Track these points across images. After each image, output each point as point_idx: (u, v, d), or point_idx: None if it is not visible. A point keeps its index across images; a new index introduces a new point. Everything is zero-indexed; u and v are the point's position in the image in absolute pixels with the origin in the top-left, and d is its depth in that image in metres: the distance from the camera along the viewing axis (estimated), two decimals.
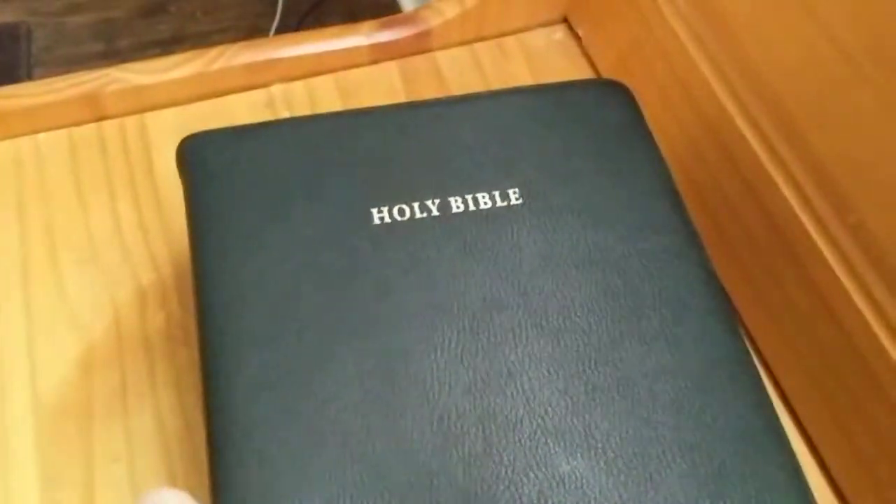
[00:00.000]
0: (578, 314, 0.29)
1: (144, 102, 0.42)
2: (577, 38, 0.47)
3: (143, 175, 0.40)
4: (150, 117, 0.42)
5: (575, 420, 0.26)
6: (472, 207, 0.31)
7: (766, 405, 0.28)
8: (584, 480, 0.25)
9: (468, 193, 0.31)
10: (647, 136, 0.34)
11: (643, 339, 0.28)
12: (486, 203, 0.31)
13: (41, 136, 0.41)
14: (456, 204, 0.31)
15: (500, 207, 0.31)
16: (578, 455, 0.26)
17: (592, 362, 0.28)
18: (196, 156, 0.32)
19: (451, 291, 0.29)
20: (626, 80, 0.44)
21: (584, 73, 0.46)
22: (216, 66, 0.42)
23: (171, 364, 0.35)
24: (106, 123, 0.42)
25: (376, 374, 0.27)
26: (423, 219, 0.30)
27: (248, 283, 0.29)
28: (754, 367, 0.29)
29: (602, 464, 0.26)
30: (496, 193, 0.31)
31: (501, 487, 0.25)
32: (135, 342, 0.36)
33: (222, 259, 0.29)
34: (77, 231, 0.39)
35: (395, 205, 0.30)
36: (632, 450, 0.26)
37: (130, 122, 0.42)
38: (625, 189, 0.32)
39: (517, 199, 0.31)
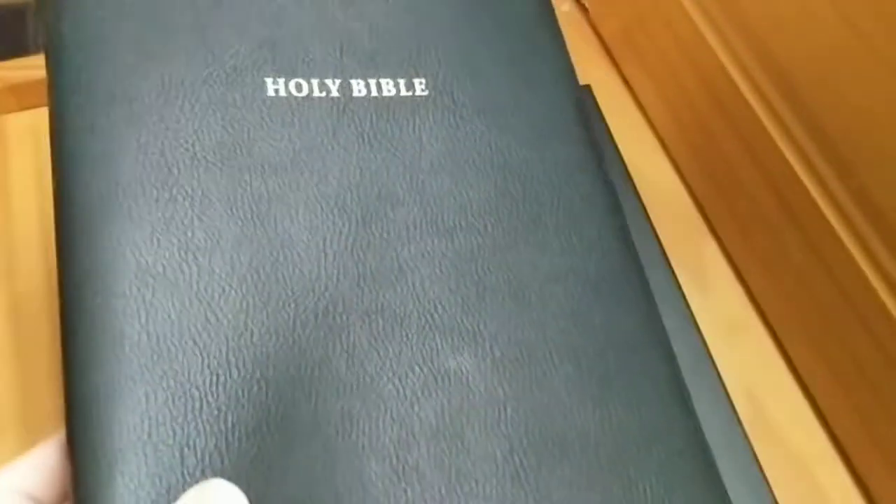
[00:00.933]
0: (475, 215, 0.28)
1: None
2: (584, 10, 0.48)
3: None
4: None
5: (464, 319, 0.26)
6: (374, 93, 0.29)
7: (653, 317, 0.28)
8: (469, 377, 0.25)
9: (372, 77, 0.29)
10: (557, 40, 0.34)
11: (538, 244, 0.28)
12: (389, 90, 0.29)
13: None
14: (358, 87, 0.29)
15: (405, 97, 0.29)
16: (465, 352, 0.26)
17: (486, 263, 0.27)
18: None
19: (344, 180, 0.27)
20: (630, 51, 0.45)
21: (592, 44, 0.47)
22: None
23: None
24: None
25: (258, 261, 0.25)
26: (320, 98, 0.28)
27: (113, 148, 0.25)
28: (645, 279, 0.29)
29: (488, 362, 0.26)
30: (401, 81, 0.29)
31: (385, 380, 0.25)
32: None
33: (87, 115, 0.25)
34: None
35: (293, 78, 0.28)
36: (519, 350, 0.26)
37: None
38: (532, 93, 0.31)
39: (423, 91, 0.30)
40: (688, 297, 0.37)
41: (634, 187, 0.40)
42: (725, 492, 0.26)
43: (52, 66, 0.26)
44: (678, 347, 0.31)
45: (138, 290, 0.23)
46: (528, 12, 0.33)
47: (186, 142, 0.26)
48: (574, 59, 0.45)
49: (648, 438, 0.26)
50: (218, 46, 0.27)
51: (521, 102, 0.31)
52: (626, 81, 0.46)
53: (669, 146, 0.43)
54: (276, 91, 0.28)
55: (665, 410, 0.27)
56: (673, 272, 0.38)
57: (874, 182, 0.31)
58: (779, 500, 0.33)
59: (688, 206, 0.42)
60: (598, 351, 0.27)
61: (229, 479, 0.22)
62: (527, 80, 0.31)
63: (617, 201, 0.31)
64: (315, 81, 0.28)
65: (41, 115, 0.42)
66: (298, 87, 0.28)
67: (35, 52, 0.47)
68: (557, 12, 0.48)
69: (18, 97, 0.42)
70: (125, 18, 0.26)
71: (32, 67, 0.42)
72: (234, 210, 0.25)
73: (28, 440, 0.33)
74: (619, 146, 0.41)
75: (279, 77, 0.28)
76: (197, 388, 0.23)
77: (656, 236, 0.38)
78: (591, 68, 0.46)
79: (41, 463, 0.22)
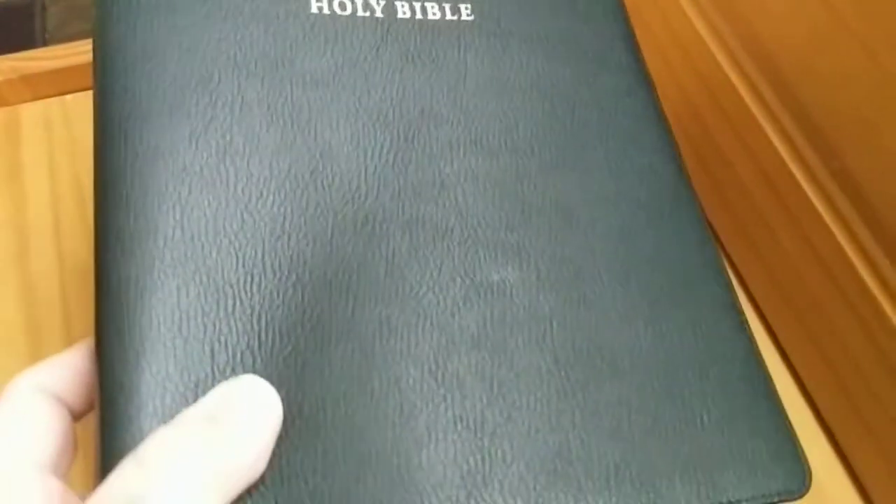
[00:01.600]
0: (520, 137, 0.27)
1: None
2: None
3: None
4: None
5: (508, 234, 0.26)
6: (419, 15, 0.29)
7: (706, 243, 0.28)
8: (513, 290, 0.25)
9: (417, 0, 0.29)
10: None
11: (587, 167, 0.28)
12: (434, 14, 0.29)
13: (68, 97, 0.43)
14: (402, 9, 0.29)
15: (450, 20, 0.29)
16: (509, 266, 0.25)
17: (531, 184, 0.27)
18: None
19: (387, 96, 0.27)
20: None
21: None
22: None
23: None
24: None
25: (297, 169, 0.25)
26: (365, 17, 0.28)
27: (156, 50, 0.25)
28: (697, 205, 0.29)
29: (534, 277, 0.25)
30: (447, 5, 0.29)
31: (425, 289, 0.24)
32: None
33: (129, 21, 0.25)
34: None
35: None
36: (566, 268, 0.25)
37: None
38: (581, 26, 0.31)
39: (468, 15, 0.29)
40: None
41: None
42: (788, 420, 0.26)
43: None
44: None
45: (174, 187, 0.23)
46: None
47: (228, 50, 0.25)
48: None
49: (704, 362, 0.25)
50: None
51: (570, 32, 0.30)
52: None
53: None
54: (320, 8, 0.27)
55: (721, 334, 0.26)
56: None
57: (856, 165, 0.32)
58: None
59: None
60: (649, 272, 0.26)
61: (261, 377, 0.21)
62: (575, 11, 0.31)
63: (668, 128, 0.30)
64: (359, 1, 0.28)
65: (53, 105, 0.43)
66: (342, 6, 0.28)
67: (44, 44, 0.48)
68: None
69: (31, 87, 0.43)
70: None
71: (45, 58, 0.43)
72: (275, 118, 0.25)
73: None
74: None
75: None
76: (231, 285, 0.22)
77: None
78: None
79: (70, 363, 0.22)
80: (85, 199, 0.40)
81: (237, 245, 0.23)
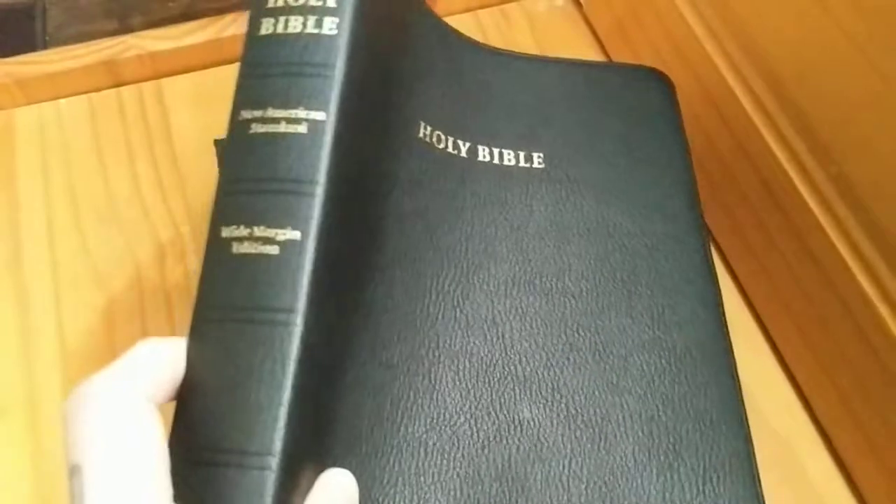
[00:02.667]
0: (572, 279, 0.29)
1: (160, 68, 0.44)
2: (578, 3, 0.49)
3: (160, 138, 0.42)
4: (167, 83, 0.44)
5: (546, 373, 0.27)
6: (496, 161, 0.31)
7: (734, 393, 0.29)
8: (541, 428, 0.27)
9: (496, 147, 0.31)
10: (677, 127, 0.35)
11: (630, 312, 0.29)
12: (510, 160, 0.31)
13: (62, 101, 0.43)
14: (483, 153, 0.31)
15: (522, 167, 0.31)
16: (541, 405, 0.27)
17: (575, 325, 0.29)
18: None
19: (456, 233, 0.29)
20: (623, 45, 0.45)
21: (586, 38, 0.48)
22: (229, 32, 0.44)
23: (189, 315, 0.37)
24: (124, 89, 0.44)
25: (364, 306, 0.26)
26: (451, 154, 0.30)
27: None
28: (731, 356, 0.30)
29: (562, 417, 0.27)
30: (521, 154, 0.32)
31: (462, 420, 0.26)
32: (155, 295, 0.38)
33: None
34: (98, 191, 0.40)
35: (436, 130, 0.30)
36: (594, 410, 0.27)
37: (148, 87, 0.44)
38: (643, 173, 0.33)
39: (539, 164, 0.32)
40: None
41: None
42: None
43: None
44: None
45: None
46: (651, 101, 0.35)
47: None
48: (568, 52, 0.46)
49: None
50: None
51: (632, 179, 0.32)
52: None
53: None
54: (425, 136, 0.29)
55: (732, 486, 0.27)
56: None
57: (854, 171, 0.31)
58: (763, 479, 0.33)
59: None
60: (673, 420, 0.28)
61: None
62: (640, 159, 0.33)
63: (714, 276, 0.32)
64: (450, 139, 0.30)
65: (47, 109, 0.43)
66: (438, 140, 0.30)
67: (42, 47, 0.48)
68: (551, 6, 0.49)
69: (26, 92, 0.43)
70: None
71: (40, 62, 0.43)
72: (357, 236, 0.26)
73: (34, 423, 0.34)
74: None
75: (429, 125, 0.30)
76: None
77: None
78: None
79: (166, 364, 0.22)
80: (79, 205, 0.40)
81: None
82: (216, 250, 0.22)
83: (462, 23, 0.47)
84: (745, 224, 0.38)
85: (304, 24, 0.23)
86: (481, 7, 0.48)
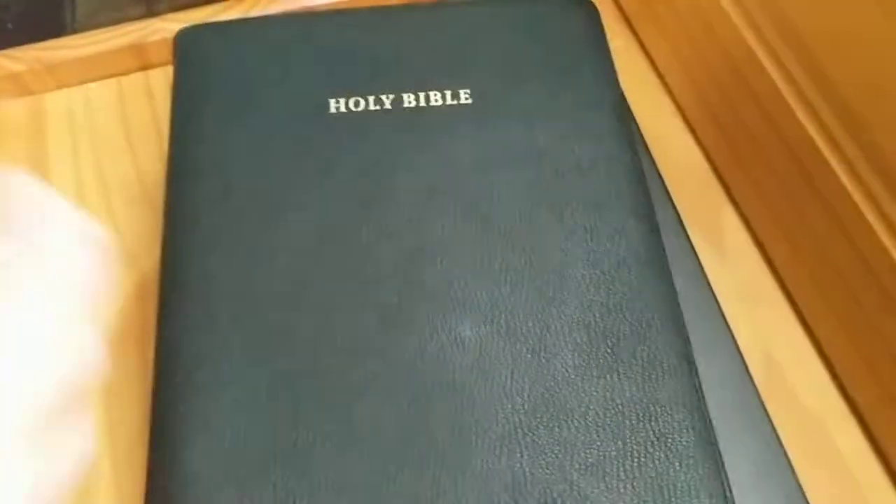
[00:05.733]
0: (505, 206, 0.31)
1: None
2: None
3: None
4: None
5: (484, 294, 0.29)
6: (422, 104, 0.33)
7: (670, 297, 0.30)
8: (482, 344, 0.29)
9: (421, 91, 0.33)
10: (601, 48, 0.36)
11: (563, 230, 0.31)
12: (437, 100, 0.33)
13: (91, 85, 0.44)
14: (408, 99, 0.33)
15: (450, 105, 0.33)
16: (481, 323, 0.29)
17: (510, 246, 0.30)
18: (184, 48, 0.36)
19: (393, 178, 0.32)
20: (651, 19, 0.45)
21: (611, 12, 0.47)
22: (254, 13, 0.44)
23: None
24: (152, 72, 0.44)
25: (308, 246, 0.30)
26: (375, 111, 0.33)
27: (212, 158, 0.32)
28: (665, 262, 0.31)
29: (502, 333, 0.29)
30: (448, 93, 0.33)
31: (411, 344, 0.28)
32: None
33: (197, 143, 0.33)
34: (127, 173, 0.41)
35: (352, 97, 0.33)
36: (532, 323, 0.29)
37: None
38: (570, 96, 0.34)
39: (467, 99, 0.33)
40: (706, 263, 0.37)
41: (651, 154, 0.40)
42: (726, 474, 0.27)
43: None
44: (692, 312, 0.32)
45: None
46: (574, 29, 0.36)
47: (263, 152, 0.33)
48: None
49: (649, 408, 0.28)
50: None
51: (558, 104, 0.34)
52: (644, 49, 0.46)
53: (687, 113, 0.43)
54: (337, 108, 0.33)
55: (671, 382, 0.28)
56: (689, 239, 0.38)
57: (884, 139, 0.31)
58: (793, 458, 0.33)
59: (706, 172, 0.42)
60: (611, 326, 0.29)
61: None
62: (566, 85, 0.34)
63: (644, 189, 0.32)
64: (371, 97, 0.33)
65: (77, 94, 0.44)
66: (356, 104, 0.33)
67: (72, 32, 0.49)
68: None
69: (56, 77, 0.43)
70: None
71: (69, 47, 0.43)
72: (293, 201, 0.31)
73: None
74: (638, 113, 0.41)
75: (340, 98, 0.33)
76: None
77: (673, 203, 0.39)
78: (610, 36, 0.45)
79: None
80: (108, 187, 0.41)
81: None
82: None
83: None
84: (775, 200, 0.37)
85: None
86: None
